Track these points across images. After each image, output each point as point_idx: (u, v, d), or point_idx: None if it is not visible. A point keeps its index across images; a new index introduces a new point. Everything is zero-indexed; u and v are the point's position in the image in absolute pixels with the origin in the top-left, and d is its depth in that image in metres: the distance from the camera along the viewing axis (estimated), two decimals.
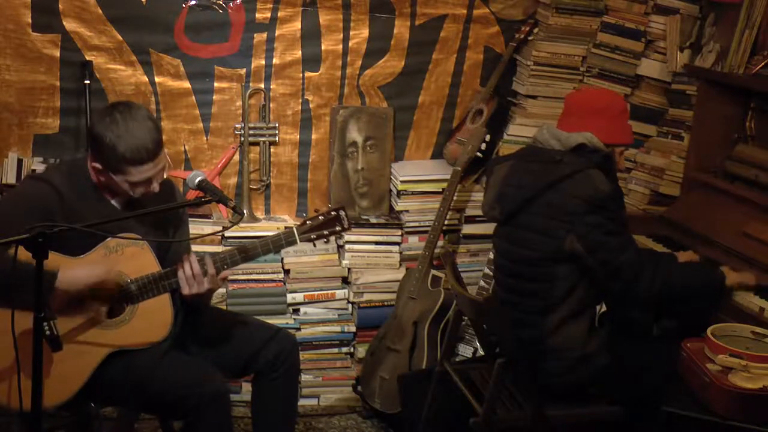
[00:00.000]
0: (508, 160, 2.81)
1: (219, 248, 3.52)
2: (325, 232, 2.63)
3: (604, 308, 3.07)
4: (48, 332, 2.31)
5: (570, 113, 2.75)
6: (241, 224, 3.50)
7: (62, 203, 2.46)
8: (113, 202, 2.57)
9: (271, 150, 3.73)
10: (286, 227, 2.65)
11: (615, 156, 2.74)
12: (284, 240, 2.60)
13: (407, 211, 3.72)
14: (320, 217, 2.63)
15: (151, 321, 2.52)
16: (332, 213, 2.63)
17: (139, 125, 2.43)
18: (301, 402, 3.60)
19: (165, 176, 2.58)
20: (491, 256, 3.64)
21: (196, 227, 3.49)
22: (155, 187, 2.52)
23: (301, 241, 2.61)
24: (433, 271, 3.52)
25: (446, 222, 3.59)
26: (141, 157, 2.43)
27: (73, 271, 2.35)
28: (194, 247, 3.38)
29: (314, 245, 2.57)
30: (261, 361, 2.71)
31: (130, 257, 2.50)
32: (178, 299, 2.65)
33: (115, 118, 2.43)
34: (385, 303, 3.65)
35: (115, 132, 2.41)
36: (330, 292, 3.65)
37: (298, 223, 3.70)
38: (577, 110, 2.73)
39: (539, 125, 3.66)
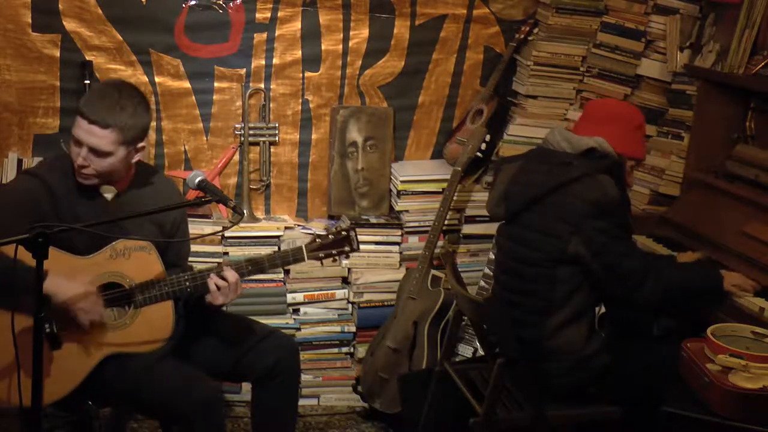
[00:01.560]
0: (517, 161, 2.80)
1: (219, 248, 3.53)
2: (334, 252, 2.65)
3: (603, 309, 3.07)
4: (48, 330, 2.32)
5: (587, 119, 2.77)
6: (241, 224, 3.50)
7: (52, 198, 2.46)
8: (106, 195, 2.57)
9: (271, 150, 3.73)
10: (294, 246, 2.66)
11: (625, 167, 2.73)
12: (292, 256, 2.63)
13: (407, 211, 3.72)
14: (330, 236, 2.64)
15: (151, 327, 2.51)
16: (342, 233, 2.65)
17: (108, 96, 2.45)
18: (301, 402, 3.60)
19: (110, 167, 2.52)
20: (491, 256, 3.64)
21: (196, 227, 3.49)
22: (81, 155, 2.45)
23: (308, 258, 2.63)
24: (433, 271, 3.52)
25: (446, 222, 3.58)
26: (85, 111, 2.43)
27: (58, 284, 2.33)
28: (194, 247, 3.39)
29: (322, 264, 2.60)
30: (261, 365, 2.69)
31: (136, 261, 2.51)
32: (180, 308, 2.65)
33: (108, 82, 2.57)
34: (385, 303, 3.65)
35: (91, 92, 2.53)
36: (330, 292, 3.65)
37: (299, 223, 3.74)
38: (595, 116, 2.74)
39: (539, 125, 3.71)
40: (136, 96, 2.51)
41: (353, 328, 3.67)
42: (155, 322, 2.52)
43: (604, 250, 2.53)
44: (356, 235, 2.67)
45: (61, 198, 2.48)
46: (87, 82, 3.40)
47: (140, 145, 2.54)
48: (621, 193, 2.61)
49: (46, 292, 2.23)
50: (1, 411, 2.44)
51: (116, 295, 2.48)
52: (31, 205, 2.43)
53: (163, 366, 2.51)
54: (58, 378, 2.41)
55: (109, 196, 2.57)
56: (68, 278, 2.36)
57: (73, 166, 2.50)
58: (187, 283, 2.52)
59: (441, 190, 3.61)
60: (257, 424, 2.79)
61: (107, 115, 2.42)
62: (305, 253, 2.62)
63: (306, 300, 3.62)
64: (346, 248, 2.66)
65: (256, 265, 2.61)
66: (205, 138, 3.68)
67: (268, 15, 3.60)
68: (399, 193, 3.71)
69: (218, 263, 2.61)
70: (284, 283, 3.60)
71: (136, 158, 2.56)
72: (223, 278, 2.53)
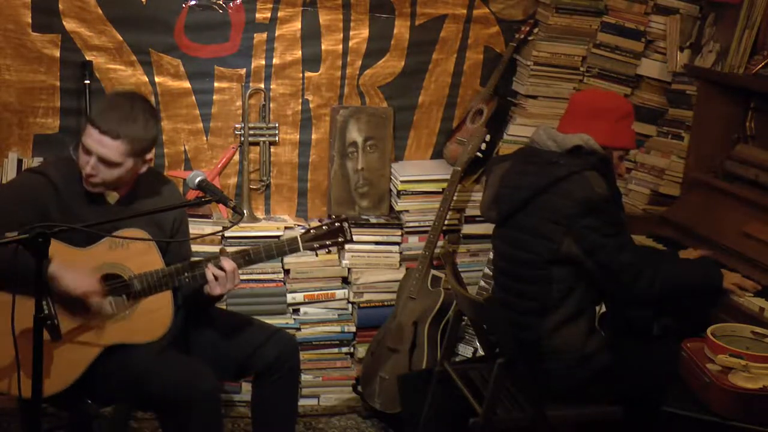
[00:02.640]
0: (506, 161, 2.80)
1: (219, 248, 3.52)
2: (328, 243, 2.68)
3: (603, 308, 3.06)
4: (48, 321, 2.32)
5: (572, 113, 2.75)
6: (241, 224, 3.50)
7: (57, 196, 2.49)
8: (108, 198, 2.57)
9: (271, 150, 3.73)
10: (289, 236, 2.68)
11: (614, 159, 2.73)
12: (287, 247, 2.66)
13: (407, 211, 3.72)
14: (324, 227, 2.68)
15: (151, 318, 2.52)
16: (336, 224, 2.69)
17: (121, 107, 2.49)
18: (301, 402, 3.60)
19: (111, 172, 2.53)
20: (491, 256, 3.63)
21: (196, 227, 3.49)
22: (90, 164, 2.47)
23: (304, 248, 2.67)
24: (433, 271, 3.52)
25: (446, 222, 3.59)
26: (97, 121, 2.46)
27: (64, 274, 2.34)
28: (194, 247, 3.39)
29: (316, 254, 2.65)
30: (261, 362, 2.71)
31: (135, 253, 2.52)
32: (179, 298, 2.66)
33: (120, 92, 2.59)
34: (385, 303, 3.65)
35: (102, 102, 2.56)
36: (330, 292, 3.65)
37: (299, 223, 3.74)
38: (580, 110, 2.72)
39: (539, 125, 3.70)
40: (147, 109, 2.55)
41: (353, 328, 3.67)
42: (154, 313, 2.53)
43: (596, 248, 2.53)
44: (350, 226, 2.71)
45: (64, 197, 2.50)
46: (87, 82, 3.40)
47: (148, 156, 2.57)
48: (610, 189, 2.60)
49: (51, 275, 2.28)
50: (2, 410, 2.44)
51: (115, 285, 2.49)
52: (35, 201, 2.45)
53: (164, 359, 2.52)
54: (59, 370, 2.42)
55: (111, 200, 2.58)
56: (70, 265, 2.37)
57: (79, 170, 2.52)
58: (186, 273, 2.53)
59: (441, 190, 3.62)
60: (258, 421, 2.80)
61: (118, 127, 2.45)
62: (300, 243, 2.65)
63: (306, 300, 3.62)
64: (340, 239, 2.69)
65: (250, 257, 2.62)
66: (205, 138, 3.68)
67: (268, 15, 3.59)
68: (399, 193, 3.71)
69: (217, 252, 2.63)
70: (284, 283, 3.60)
71: (143, 169, 2.58)
72: (221, 268, 2.55)
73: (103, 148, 2.45)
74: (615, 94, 2.96)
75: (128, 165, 2.50)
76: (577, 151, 2.64)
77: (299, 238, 2.65)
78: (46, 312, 2.22)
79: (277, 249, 2.65)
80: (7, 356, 2.30)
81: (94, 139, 2.45)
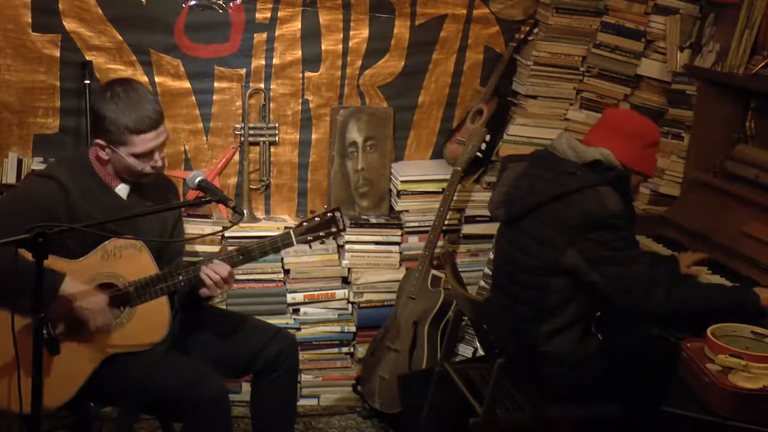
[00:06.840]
0: (522, 161, 2.77)
1: (219, 248, 3.53)
2: (321, 234, 2.65)
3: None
4: (45, 335, 2.31)
5: (603, 128, 2.71)
6: (241, 224, 3.49)
7: (68, 199, 2.46)
8: (117, 191, 2.57)
9: (271, 150, 3.73)
10: (285, 227, 2.67)
11: (632, 181, 2.69)
12: (281, 242, 2.63)
13: (407, 211, 3.72)
14: (316, 219, 2.65)
15: (149, 323, 2.52)
16: (328, 214, 2.65)
17: (139, 96, 2.50)
18: (301, 402, 3.60)
19: (165, 159, 2.61)
20: (491, 256, 3.64)
21: (196, 227, 3.50)
22: (158, 161, 2.55)
23: (297, 242, 2.63)
24: (433, 271, 3.52)
25: (446, 222, 3.59)
26: (143, 126, 2.48)
27: (78, 287, 2.36)
28: (194, 247, 3.39)
29: (310, 247, 2.60)
30: (261, 361, 2.71)
31: (128, 259, 2.50)
32: (176, 301, 2.66)
33: (116, 91, 2.50)
34: (385, 303, 3.65)
35: (118, 104, 2.48)
36: (330, 292, 3.65)
37: (298, 223, 3.74)
38: (611, 127, 2.69)
39: (539, 125, 3.72)
40: (135, 81, 2.61)
41: (353, 328, 3.67)
42: (152, 318, 2.52)
43: (601, 260, 2.50)
44: (342, 215, 2.67)
45: (76, 200, 2.48)
46: (87, 82, 3.40)
47: None
48: (624, 205, 2.56)
49: (63, 293, 2.29)
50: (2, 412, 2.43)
51: (112, 295, 2.48)
52: (45, 209, 2.40)
53: (169, 362, 2.51)
54: (59, 383, 2.41)
55: (124, 194, 2.58)
56: (84, 285, 2.38)
57: (90, 168, 2.53)
58: (180, 277, 2.53)
59: (441, 190, 3.62)
60: (257, 420, 2.80)
61: (153, 111, 2.51)
62: (294, 238, 2.62)
63: (306, 300, 3.62)
64: (333, 229, 2.65)
65: (246, 254, 2.61)
66: (205, 138, 3.68)
67: (268, 15, 3.60)
68: (399, 193, 3.71)
69: (216, 252, 2.62)
70: (284, 283, 3.60)
71: None
72: (216, 272, 2.54)
73: (163, 135, 2.54)
74: (649, 120, 2.87)
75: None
76: (596, 165, 2.61)
77: (292, 233, 2.62)
78: (45, 332, 2.23)
79: (270, 246, 2.63)
80: (6, 367, 2.30)
81: (151, 137, 2.50)
